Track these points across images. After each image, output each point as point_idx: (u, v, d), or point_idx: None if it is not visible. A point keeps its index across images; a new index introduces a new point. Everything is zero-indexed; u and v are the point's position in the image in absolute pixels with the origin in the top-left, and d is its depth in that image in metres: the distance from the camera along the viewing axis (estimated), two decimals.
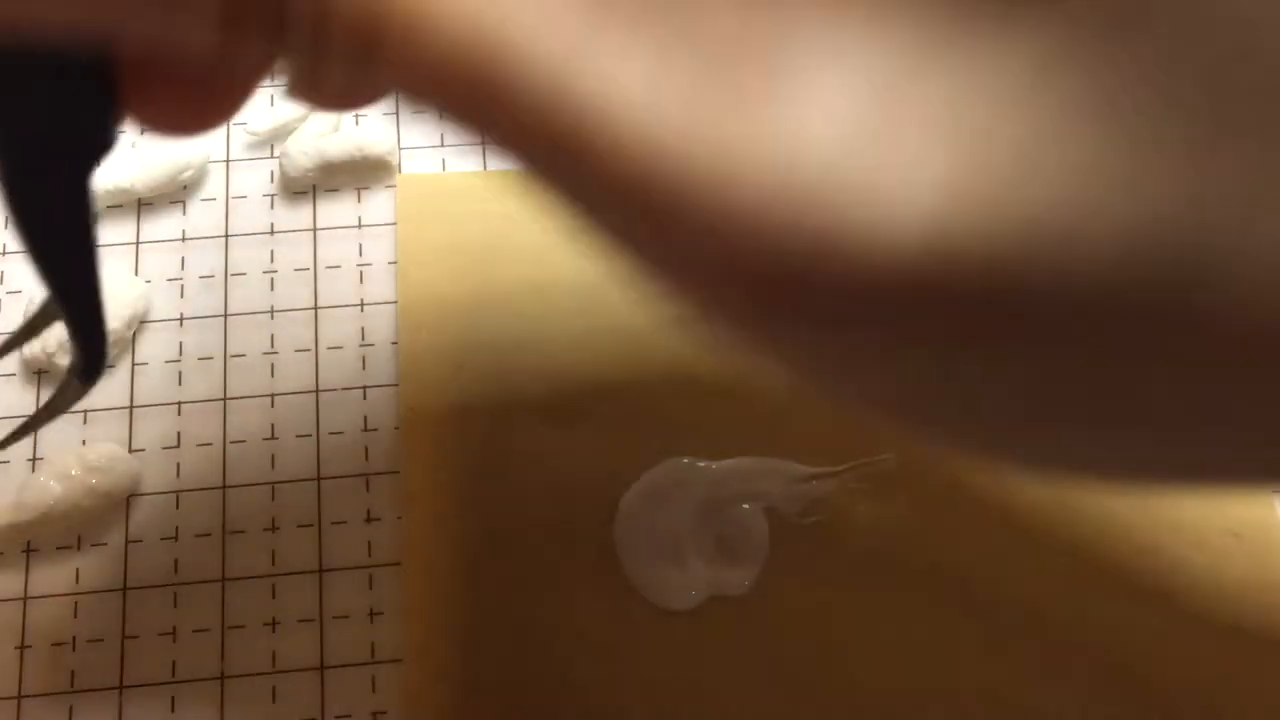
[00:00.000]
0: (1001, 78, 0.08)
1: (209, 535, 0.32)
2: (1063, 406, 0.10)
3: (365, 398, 0.33)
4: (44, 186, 0.18)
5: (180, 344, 0.34)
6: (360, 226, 0.35)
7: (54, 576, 0.31)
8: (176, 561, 0.31)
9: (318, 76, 0.11)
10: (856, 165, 0.09)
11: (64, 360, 0.33)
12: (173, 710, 0.30)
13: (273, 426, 0.33)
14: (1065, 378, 0.10)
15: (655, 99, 0.09)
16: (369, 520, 0.32)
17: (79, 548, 0.31)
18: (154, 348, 0.34)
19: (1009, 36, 0.08)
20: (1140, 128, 0.08)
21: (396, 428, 0.33)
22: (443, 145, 0.37)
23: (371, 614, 0.31)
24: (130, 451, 0.32)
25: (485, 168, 0.36)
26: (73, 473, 0.31)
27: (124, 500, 0.32)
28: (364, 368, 0.34)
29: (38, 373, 0.33)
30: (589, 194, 0.10)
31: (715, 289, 0.10)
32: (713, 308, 0.10)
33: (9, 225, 0.20)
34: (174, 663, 0.31)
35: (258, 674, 0.30)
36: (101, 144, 0.17)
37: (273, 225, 0.35)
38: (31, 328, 0.25)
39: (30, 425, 0.27)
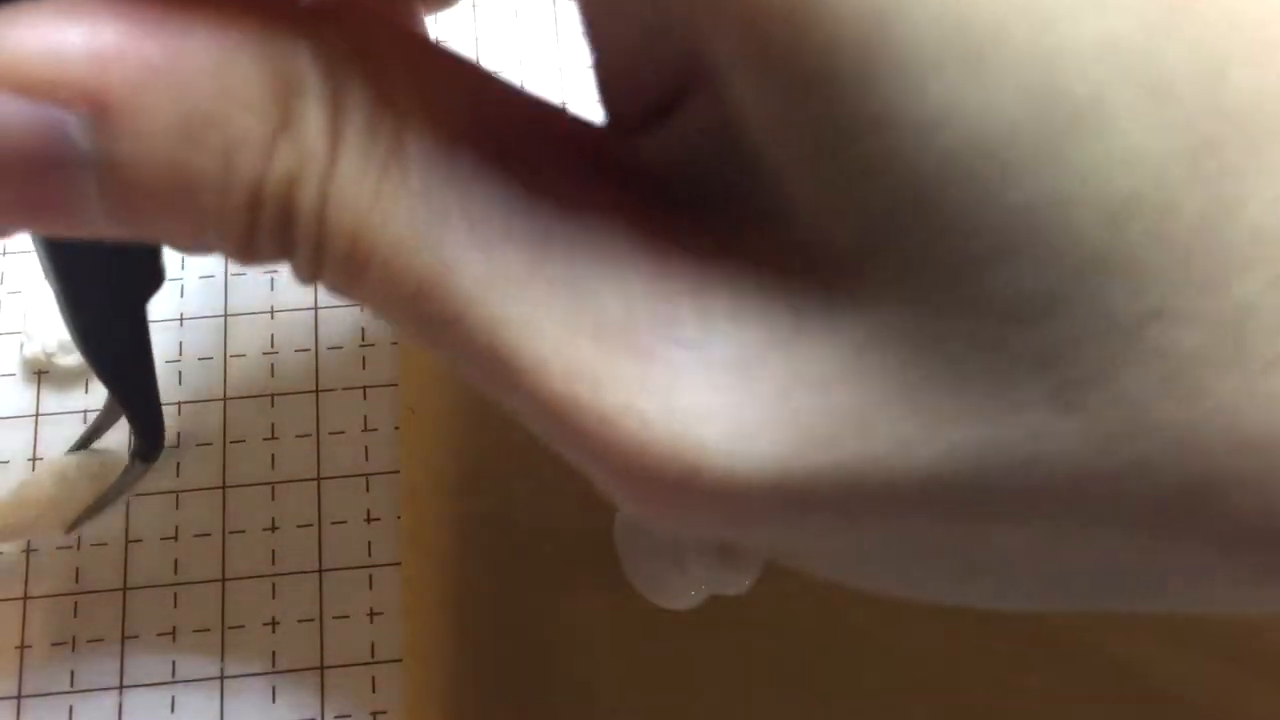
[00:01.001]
0: (827, 359, 0.12)
1: (209, 535, 0.32)
2: (915, 570, 0.14)
3: (365, 398, 0.33)
4: (109, 325, 0.22)
5: (180, 343, 0.34)
6: None
7: (54, 576, 0.31)
8: (176, 561, 0.31)
9: (315, 281, 0.14)
10: (713, 421, 0.12)
11: (64, 360, 0.33)
12: (173, 710, 0.30)
13: (273, 426, 0.33)
14: (910, 554, 0.13)
15: (565, 341, 0.12)
16: (369, 520, 0.32)
17: (79, 548, 0.31)
18: (154, 347, 0.34)
19: (833, 327, 0.12)
20: (928, 392, 0.11)
21: (396, 428, 0.33)
22: None
23: (371, 614, 0.31)
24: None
25: None
26: (70, 475, 0.31)
27: (124, 500, 0.32)
28: (364, 368, 0.34)
29: (38, 373, 0.33)
30: (514, 402, 0.13)
31: (611, 491, 0.13)
32: (614, 498, 0.14)
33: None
34: (174, 663, 0.31)
35: (258, 674, 0.30)
36: (154, 283, 0.21)
37: None
38: (101, 425, 0.30)
39: (98, 506, 0.30)
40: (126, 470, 0.30)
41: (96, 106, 0.12)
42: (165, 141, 0.12)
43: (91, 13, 0.12)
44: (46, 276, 0.22)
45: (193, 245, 0.14)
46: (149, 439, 0.27)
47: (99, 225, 0.13)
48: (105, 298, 0.21)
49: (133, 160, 0.12)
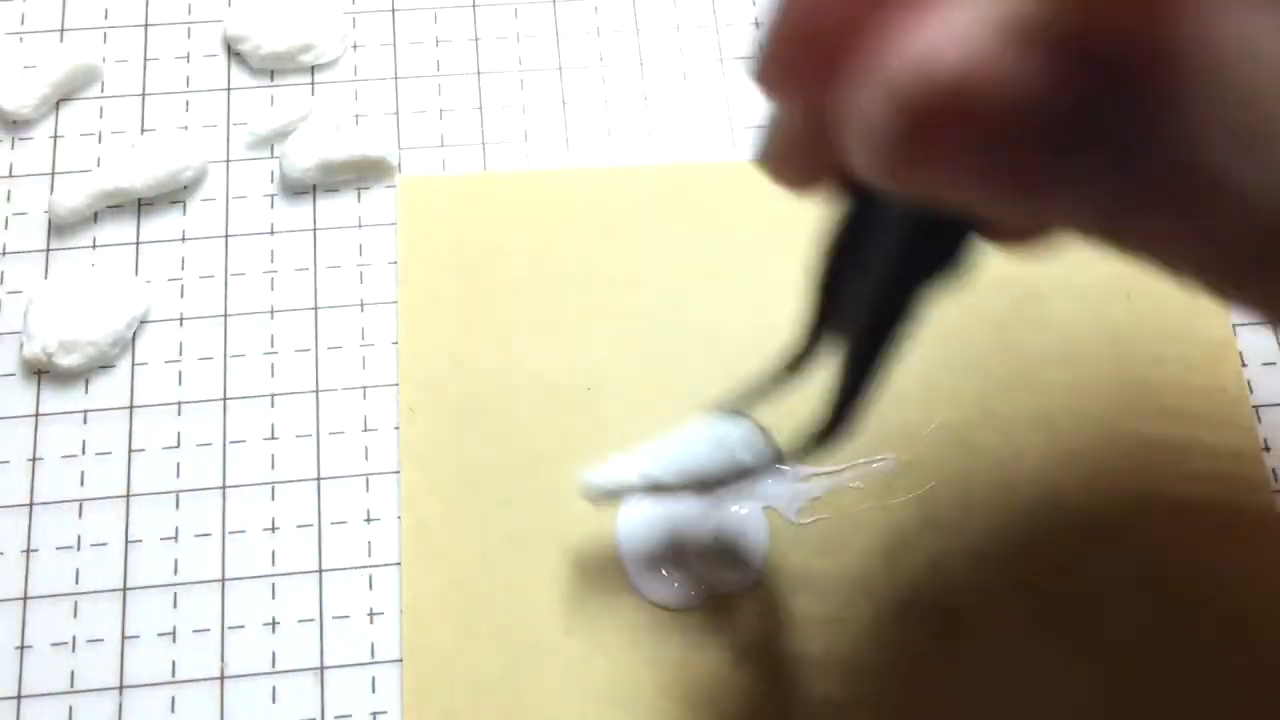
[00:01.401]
0: None
1: (209, 535, 0.32)
2: None
3: (365, 397, 0.33)
4: (903, 295, 0.20)
5: (180, 343, 0.34)
6: (360, 226, 0.35)
7: (54, 574, 0.31)
8: (176, 561, 0.31)
9: None
10: None
11: (64, 360, 0.33)
12: (173, 710, 0.30)
13: (273, 426, 0.33)
14: None
15: None
16: (369, 520, 0.32)
17: (79, 548, 0.32)
18: (154, 347, 0.34)
19: None
20: None
21: (396, 427, 0.33)
22: (443, 145, 0.37)
23: (371, 614, 0.31)
24: (130, 451, 0.32)
25: (485, 168, 0.36)
26: (727, 440, 0.29)
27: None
28: (364, 367, 0.34)
29: (37, 373, 0.33)
30: None
31: None
32: None
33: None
34: (174, 663, 0.31)
35: (258, 674, 0.30)
36: (954, 268, 0.19)
37: (273, 225, 0.35)
38: (760, 393, 0.28)
39: (748, 480, 0.29)
40: (794, 450, 0.27)
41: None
42: None
43: None
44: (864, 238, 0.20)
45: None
46: (839, 428, 0.24)
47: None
48: (913, 276, 0.19)
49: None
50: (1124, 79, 0.13)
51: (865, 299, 0.21)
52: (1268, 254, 0.13)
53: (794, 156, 0.17)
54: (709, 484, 0.29)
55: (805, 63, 0.15)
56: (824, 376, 0.24)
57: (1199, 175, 0.13)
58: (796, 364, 0.25)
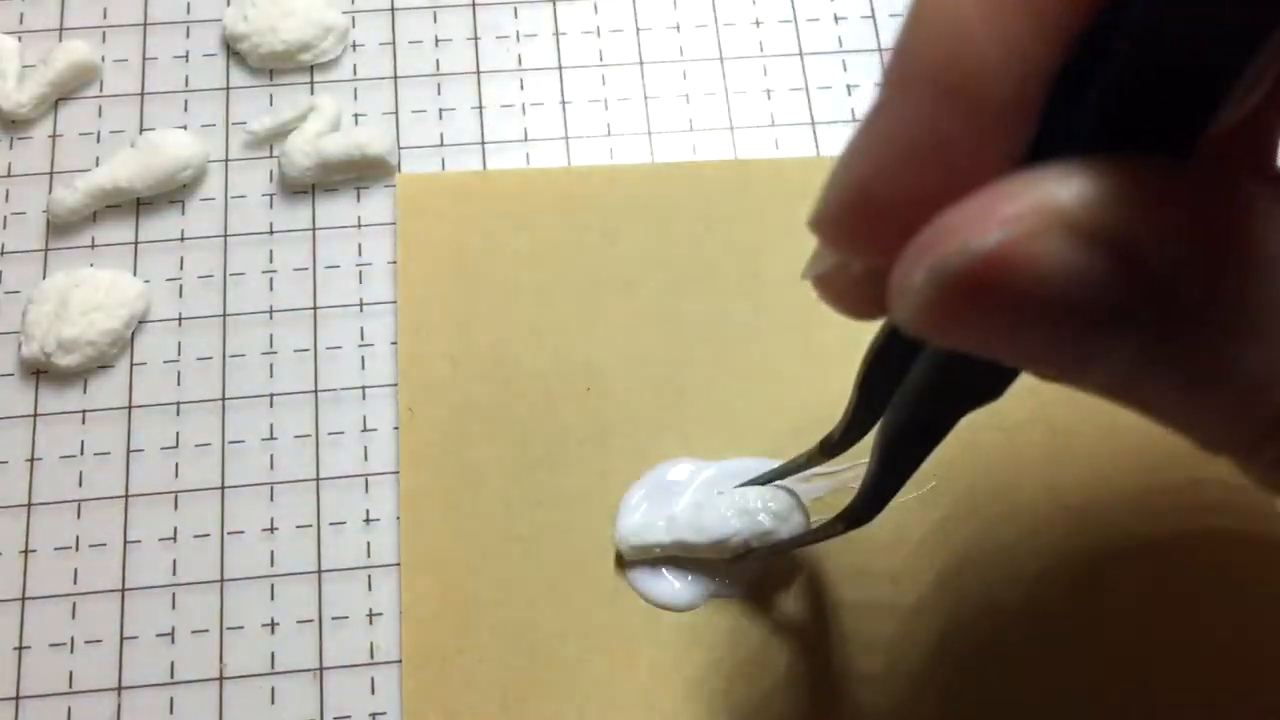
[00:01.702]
0: None
1: (208, 535, 0.32)
2: None
3: (364, 398, 0.33)
4: (937, 411, 0.21)
5: (179, 344, 0.34)
6: (359, 226, 0.35)
7: (52, 575, 0.31)
8: (175, 561, 0.31)
9: None
10: None
11: (62, 360, 0.33)
12: (172, 711, 0.30)
13: (272, 427, 0.33)
14: None
15: None
16: (368, 520, 0.32)
17: (77, 548, 0.31)
18: (153, 348, 0.34)
19: None
20: None
21: (396, 428, 0.33)
22: (442, 145, 0.37)
23: (370, 615, 0.31)
24: (129, 452, 0.32)
25: (485, 168, 0.36)
26: (750, 508, 0.31)
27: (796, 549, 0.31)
28: (363, 368, 0.34)
29: (36, 373, 0.33)
30: None
31: None
32: None
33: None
34: (173, 663, 0.30)
35: (256, 675, 0.30)
36: (993, 396, 0.20)
37: (271, 225, 0.35)
38: (791, 470, 0.30)
39: (776, 550, 0.31)
40: (823, 526, 0.28)
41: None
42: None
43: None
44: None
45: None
46: (869, 510, 0.26)
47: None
48: (954, 393, 0.21)
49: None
50: (1158, 279, 0.14)
51: (901, 407, 0.22)
52: (1271, 428, 0.15)
53: (849, 293, 0.18)
54: (739, 550, 0.30)
55: (864, 224, 0.16)
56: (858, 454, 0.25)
57: (1217, 362, 0.14)
58: (832, 448, 0.27)
